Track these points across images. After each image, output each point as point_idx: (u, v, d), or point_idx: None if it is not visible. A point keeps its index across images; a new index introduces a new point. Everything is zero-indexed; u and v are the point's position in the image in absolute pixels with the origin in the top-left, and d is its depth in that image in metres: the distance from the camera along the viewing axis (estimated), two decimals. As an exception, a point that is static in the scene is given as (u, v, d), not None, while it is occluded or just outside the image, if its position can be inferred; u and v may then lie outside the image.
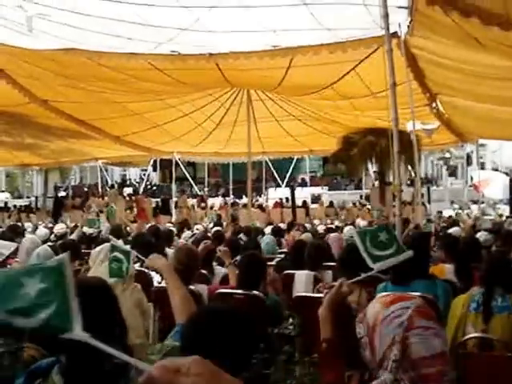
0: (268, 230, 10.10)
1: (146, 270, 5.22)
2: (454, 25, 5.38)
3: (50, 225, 9.88)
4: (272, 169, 25.35)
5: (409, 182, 18.78)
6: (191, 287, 3.76)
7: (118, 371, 1.68)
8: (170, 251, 5.92)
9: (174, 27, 7.61)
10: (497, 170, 27.68)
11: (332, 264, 5.02)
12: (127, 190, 31.04)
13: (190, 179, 26.54)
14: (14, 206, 26.57)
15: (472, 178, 20.27)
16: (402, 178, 11.84)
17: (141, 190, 29.08)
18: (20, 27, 7.84)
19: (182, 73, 9.94)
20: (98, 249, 3.30)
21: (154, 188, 33.57)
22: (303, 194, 26.03)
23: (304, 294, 4.42)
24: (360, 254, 2.41)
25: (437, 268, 4.76)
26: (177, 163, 20.58)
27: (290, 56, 8.87)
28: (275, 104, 14.06)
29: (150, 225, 10.47)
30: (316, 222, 15.56)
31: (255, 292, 3.81)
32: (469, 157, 29.15)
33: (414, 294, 2.14)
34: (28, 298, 1.07)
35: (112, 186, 30.04)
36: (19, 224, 12.47)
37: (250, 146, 13.09)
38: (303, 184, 32.47)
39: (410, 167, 14.18)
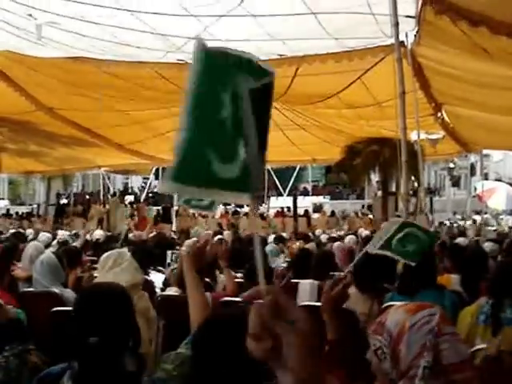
0: (270, 238, 10.08)
1: (149, 278, 5.18)
2: (461, 34, 5.37)
3: (49, 234, 9.83)
4: (274, 177, 25.29)
5: (411, 192, 18.69)
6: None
7: (130, 378, 1.65)
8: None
9: (182, 36, 7.61)
10: (500, 180, 27.59)
11: (336, 273, 4.99)
12: (129, 198, 31.06)
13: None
14: (16, 213, 26.55)
15: (476, 189, 20.16)
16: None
17: (142, 198, 29.04)
18: (29, 35, 7.85)
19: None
20: (106, 255, 3.26)
21: (155, 196, 33.56)
22: (305, 203, 25.98)
23: (308, 303, 4.37)
24: (374, 266, 2.39)
25: (443, 278, 4.70)
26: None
27: (296, 65, 8.87)
28: (280, 113, 14.04)
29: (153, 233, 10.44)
30: (318, 231, 15.48)
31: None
32: (473, 167, 29.07)
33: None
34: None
35: (114, 194, 30.03)
36: (21, 231, 12.49)
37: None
38: (305, 193, 32.47)
39: (413, 177, 14.12)
